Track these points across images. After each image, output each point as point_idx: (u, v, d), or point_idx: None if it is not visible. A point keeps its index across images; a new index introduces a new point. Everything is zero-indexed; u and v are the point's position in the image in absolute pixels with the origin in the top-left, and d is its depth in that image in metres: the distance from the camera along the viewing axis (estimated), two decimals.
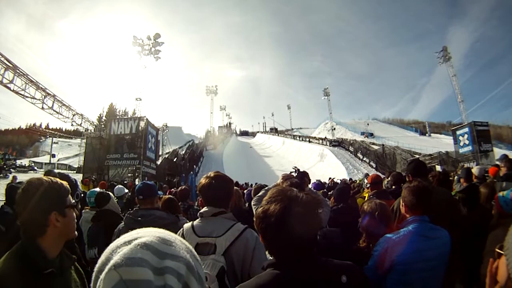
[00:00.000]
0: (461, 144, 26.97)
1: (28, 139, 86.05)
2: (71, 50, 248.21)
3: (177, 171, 30.66)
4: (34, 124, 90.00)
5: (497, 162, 7.40)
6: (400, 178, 5.53)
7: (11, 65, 19.10)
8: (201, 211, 2.02)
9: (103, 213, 4.04)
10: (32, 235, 1.45)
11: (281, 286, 1.18)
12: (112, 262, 0.63)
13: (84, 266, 2.32)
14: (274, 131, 78.07)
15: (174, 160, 34.10)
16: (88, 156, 24.46)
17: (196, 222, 2.01)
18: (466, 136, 26.42)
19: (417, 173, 3.64)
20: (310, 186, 5.03)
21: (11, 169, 30.97)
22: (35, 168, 39.96)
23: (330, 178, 19.20)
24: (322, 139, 49.37)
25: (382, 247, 2.27)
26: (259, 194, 3.26)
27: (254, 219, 1.32)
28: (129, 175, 24.27)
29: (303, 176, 3.98)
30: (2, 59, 18.55)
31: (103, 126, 31.54)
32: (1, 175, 27.24)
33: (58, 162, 57.90)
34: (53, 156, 57.86)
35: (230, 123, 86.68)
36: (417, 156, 30.83)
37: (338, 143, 45.18)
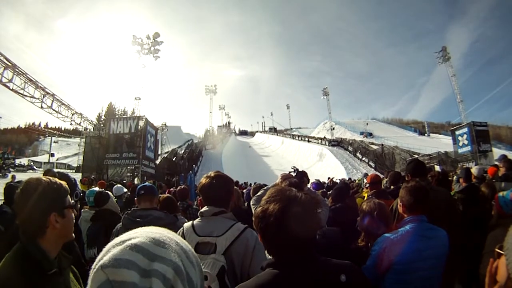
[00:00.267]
0: (460, 144, 26.99)
1: (27, 138, 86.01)
2: (70, 49, 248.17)
3: (176, 170, 30.63)
4: (33, 123, 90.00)
5: (496, 162, 7.42)
6: (398, 178, 5.54)
7: (10, 64, 19.06)
8: (202, 210, 2.02)
9: (102, 212, 4.04)
10: (32, 236, 1.43)
11: (280, 285, 1.19)
12: (100, 262, 0.64)
13: (83, 266, 2.32)
14: (273, 130, 78.09)
15: (173, 159, 34.08)
16: (87, 155, 24.43)
17: (196, 221, 2.01)
18: (465, 136, 26.44)
19: (417, 173, 3.65)
20: (309, 185, 5.03)
21: (10, 168, 30.99)
22: (34, 167, 40.00)
23: (329, 178, 19.27)
24: (321, 138, 49.33)
25: (380, 247, 2.27)
26: (258, 194, 3.26)
27: (253, 218, 1.32)
28: (128, 174, 24.25)
29: (302, 176, 3.97)
30: (1, 58, 18.50)
31: (102, 125, 31.62)
32: (0, 174, 27.30)
33: (57, 161, 57.87)
34: (52, 155, 57.90)
35: (229, 123, 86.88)
36: (416, 156, 30.81)
37: (337, 143, 45.14)
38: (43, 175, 1.99)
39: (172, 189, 9.52)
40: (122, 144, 23.98)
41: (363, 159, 37.52)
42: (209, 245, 1.83)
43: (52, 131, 71.11)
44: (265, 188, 3.45)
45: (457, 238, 2.98)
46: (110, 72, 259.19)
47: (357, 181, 14.70)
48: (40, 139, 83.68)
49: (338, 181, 14.75)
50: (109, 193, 4.43)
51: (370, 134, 60.72)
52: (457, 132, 27.66)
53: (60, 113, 23.51)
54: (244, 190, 6.24)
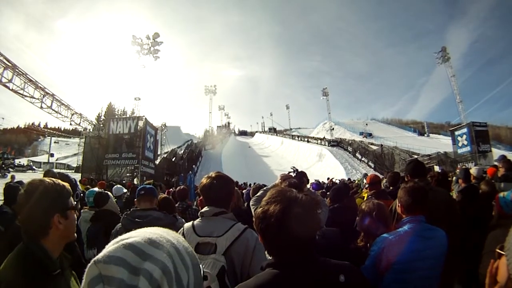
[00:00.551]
0: (460, 144, 27.03)
1: (26, 138, 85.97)
2: (70, 50, 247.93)
3: (176, 170, 30.65)
4: (33, 123, 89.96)
5: (496, 163, 7.42)
6: (397, 178, 5.54)
7: (10, 64, 19.08)
8: (202, 210, 2.03)
9: (102, 213, 4.04)
10: (35, 237, 1.45)
11: (280, 285, 1.19)
12: (95, 257, 0.68)
13: (83, 266, 2.32)
14: (273, 131, 78.13)
15: (173, 159, 34.12)
16: (87, 155, 24.47)
17: (196, 221, 2.01)
18: (464, 136, 26.48)
19: (416, 173, 3.65)
20: (308, 186, 5.03)
21: (10, 169, 30.96)
22: (34, 167, 39.96)
23: (328, 178, 19.27)
24: (320, 139, 49.41)
25: (379, 247, 2.28)
26: (257, 195, 3.26)
27: (254, 219, 1.33)
28: (127, 174, 24.28)
29: (301, 176, 3.97)
30: (1, 58, 18.53)
31: (101, 125, 31.58)
32: (0, 174, 27.23)
33: (57, 161, 57.84)
34: (52, 155, 57.82)
35: (228, 123, 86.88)
36: (416, 156, 30.85)
37: (336, 143, 45.21)
38: (44, 175, 2.01)
39: (171, 189, 9.51)
40: (121, 144, 24.01)
41: (363, 159, 37.57)
42: (209, 245, 1.83)
43: (51, 131, 71.12)
44: (264, 188, 3.45)
45: (457, 238, 2.99)
46: (109, 72, 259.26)
47: (356, 182, 14.70)
48: (40, 139, 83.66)
49: (337, 181, 14.76)
50: (109, 193, 4.43)
51: (370, 135, 60.76)
52: (456, 133, 27.71)
53: (59, 113, 23.51)
54: (244, 191, 6.25)
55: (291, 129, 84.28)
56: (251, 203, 3.29)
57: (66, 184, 1.60)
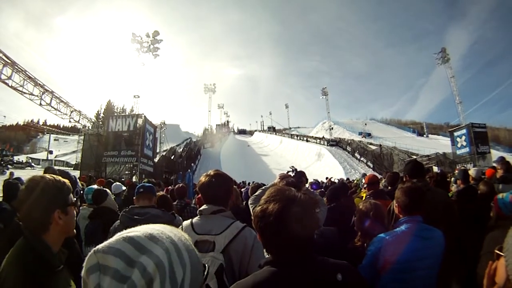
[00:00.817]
0: (459, 145, 27.05)
1: (25, 135, 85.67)
2: (69, 47, 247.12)
3: (175, 168, 30.66)
4: (32, 121, 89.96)
5: (494, 164, 7.42)
6: (396, 178, 5.55)
7: (9, 61, 19.02)
8: (201, 208, 2.04)
9: (101, 210, 4.04)
10: (36, 232, 1.47)
11: (278, 283, 1.20)
12: (96, 247, 0.71)
13: (83, 263, 2.33)
14: (272, 130, 78.18)
15: (172, 157, 34.13)
16: (86, 153, 24.47)
17: (195, 219, 2.02)
18: (463, 137, 26.50)
19: (415, 174, 3.66)
20: (307, 186, 5.04)
21: (9, 165, 30.95)
22: (33, 164, 39.93)
23: (327, 178, 19.31)
24: (319, 138, 49.41)
25: (376, 247, 2.28)
26: (256, 194, 3.27)
27: (252, 218, 1.33)
28: (126, 172, 24.23)
29: (300, 176, 3.98)
30: (1, 55, 18.44)
31: (101, 123, 31.52)
32: None
33: (56, 158, 57.65)
34: (51, 152, 57.70)
35: (228, 122, 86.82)
36: (415, 157, 30.88)
37: (335, 143, 45.22)
38: (44, 172, 2.02)
39: (170, 187, 9.52)
40: (120, 142, 24.00)
41: (362, 159, 37.61)
42: (208, 243, 1.84)
43: (50, 128, 71.00)
44: (263, 187, 3.46)
45: (455, 239, 3.00)
46: (109, 70, 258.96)
47: (355, 181, 14.72)
48: (39, 136, 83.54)
49: (336, 181, 14.77)
50: (108, 190, 4.43)
51: (369, 135, 60.86)
52: (455, 133, 27.72)
53: (59, 111, 23.46)
54: (242, 189, 6.25)
55: (290, 128, 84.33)
56: (249, 202, 3.30)
57: (67, 181, 1.63)
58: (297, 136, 58.52)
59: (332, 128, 56.71)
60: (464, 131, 26.74)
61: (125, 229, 0.77)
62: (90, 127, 27.55)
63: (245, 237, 1.86)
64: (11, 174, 16.72)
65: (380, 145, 37.54)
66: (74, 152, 52.90)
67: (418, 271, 2.21)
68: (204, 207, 2.03)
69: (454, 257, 2.89)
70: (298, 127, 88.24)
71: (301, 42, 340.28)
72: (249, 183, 14.78)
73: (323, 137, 50.02)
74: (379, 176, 9.40)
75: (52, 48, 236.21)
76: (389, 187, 5.46)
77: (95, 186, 5.01)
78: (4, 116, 61.88)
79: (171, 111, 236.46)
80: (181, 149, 40.54)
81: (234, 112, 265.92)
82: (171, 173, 28.74)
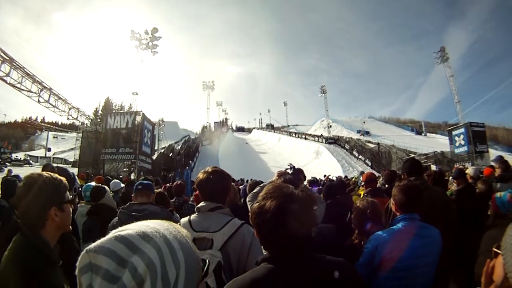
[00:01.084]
0: (457, 144, 27.15)
1: (23, 132, 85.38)
2: (68, 44, 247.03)
3: (173, 166, 30.66)
4: (30, 118, 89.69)
5: (492, 163, 7.44)
6: (393, 176, 5.56)
7: (7, 58, 19.00)
8: (199, 205, 2.03)
9: (99, 207, 4.03)
10: (35, 229, 1.50)
11: (275, 280, 1.20)
12: (88, 246, 0.71)
13: None
14: (270, 127, 78.03)
15: (170, 155, 34.09)
16: (84, 150, 24.49)
17: (193, 216, 2.01)
18: (462, 136, 26.60)
19: (413, 172, 3.66)
20: (305, 183, 5.05)
21: (6, 163, 30.93)
22: (31, 161, 39.87)
23: (325, 176, 19.31)
24: (318, 136, 49.39)
25: (373, 244, 2.29)
26: (254, 191, 3.27)
27: (250, 214, 1.33)
28: (124, 169, 24.24)
29: (298, 173, 3.99)
30: None
31: (99, 120, 31.41)
32: None
33: (54, 156, 57.60)
34: (49, 150, 57.56)
35: (226, 119, 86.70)
36: (413, 155, 30.85)
37: (334, 141, 45.24)
38: (42, 169, 2.03)
39: (168, 184, 9.51)
40: (119, 139, 24.02)
41: (360, 157, 37.68)
42: (206, 240, 1.83)
43: (48, 125, 70.90)
44: (261, 185, 3.46)
45: (453, 237, 3.01)
46: (107, 67, 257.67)
47: (353, 179, 14.72)
48: (37, 134, 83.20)
49: (334, 178, 14.77)
50: (106, 188, 4.42)
51: (367, 133, 60.87)
52: (454, 132, 27.83)
53: (57, 108, 23.46)
54: (241, 187, 6.26)
55: (288, 126, 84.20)
56: (247, 199, 3.30)
57: (64, 179, 1.65)
58: (295, 134, 58.41)
59: (331, 126, 56.77)
60: (462, 130, 26.85)
61: (123, 226, 0.76)
62: (88, 124, 27.51)
63: (243, 234, 1.85)
64: (9, 171, 16.73)
65: (378, 143, 37.60)
66: (72, 149, 52.74)
67: (416, 269, 2.22)
68: (202, 204, 2.02)
69: (451, 255, 2.90)
70: (297, 125, 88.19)
71: (300, 40, 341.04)
72: (247, 181, 14.78)
73: (321, 135, 50.04)
74: (377, 174, 9.43)
75: (50, 45, 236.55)
76: (387, 185, 5.46)
77: (93, 183, 5.00)
78: (5, 115, 61.68)
79: (169, 108, 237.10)
80: (179, 147, 40.42)
81: (233, 109, 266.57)
82: (169, 170, 28.72)
